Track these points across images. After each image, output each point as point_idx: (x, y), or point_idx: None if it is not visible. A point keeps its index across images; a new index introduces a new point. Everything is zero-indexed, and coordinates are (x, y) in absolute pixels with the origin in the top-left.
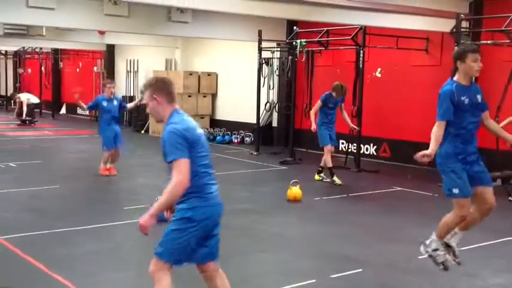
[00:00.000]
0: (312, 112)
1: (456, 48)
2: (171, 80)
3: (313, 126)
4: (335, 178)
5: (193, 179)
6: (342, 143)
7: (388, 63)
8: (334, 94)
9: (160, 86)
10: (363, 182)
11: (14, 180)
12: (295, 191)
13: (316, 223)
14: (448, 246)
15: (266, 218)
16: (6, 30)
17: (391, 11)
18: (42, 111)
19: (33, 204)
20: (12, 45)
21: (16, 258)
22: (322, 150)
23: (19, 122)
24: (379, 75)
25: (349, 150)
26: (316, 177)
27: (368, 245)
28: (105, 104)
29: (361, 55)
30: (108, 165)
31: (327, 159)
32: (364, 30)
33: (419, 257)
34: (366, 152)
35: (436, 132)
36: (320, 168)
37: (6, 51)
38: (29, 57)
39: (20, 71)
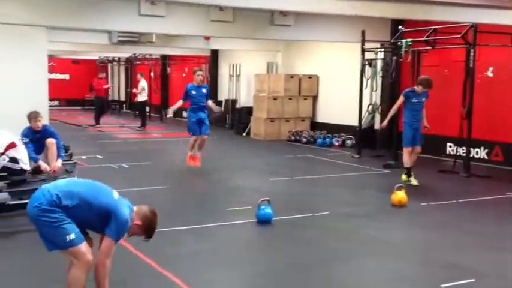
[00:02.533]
0: (393, 108)
1: None
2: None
3: (384, 123)
4: (411, 179)
5: None
6: (450, 146)
7: (501, 62)
8: (418, 88)
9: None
10: (474, 187)
11: (126, 181)
12: (400, 195)
13: (422, 229)
14: None
15: (370, 223)
16: (119, 38)
17: (505, 7)
18: (151, 114)
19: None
20: (125, 52)
21: (129, 254)
22: (430, 153)
23: (139, 125)
24: (491, 75)
25: (458, 154)
26: (403, 177)
27: (480, 254)
28: (193, 92)
29: (472, 54)
30: (195, 153)
31: (405, 159)
32: (475, 27)
33: None
34: (476, 156)
35: None
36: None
37: (119, 58)
38: (139, 63)
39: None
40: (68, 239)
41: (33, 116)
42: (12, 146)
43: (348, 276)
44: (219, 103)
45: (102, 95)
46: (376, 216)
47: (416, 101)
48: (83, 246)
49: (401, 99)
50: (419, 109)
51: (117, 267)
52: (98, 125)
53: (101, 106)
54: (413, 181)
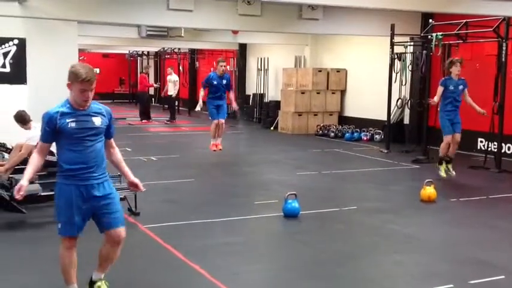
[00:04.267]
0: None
1: None
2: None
3: (434, 99)
4: (441, 167)
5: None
6: (481, 142)
7: None
8: (451, 71)
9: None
10: (505, 183)
11: (155, 173)
12: (429, 191)
13: (452, 225)
14: None
15: (399, 218)
16: (148, 32)
17: None
18: (180, 108)
19: (172, 196)
20: (154, 46)
21: (158, 246)
22: (461, 148)
23: (168, 118)
24: None
25: (489, 149)
26: (442, 168)
27: (510, 251)
28: (215, 81)
29: (504, 48)
30: (216, 140)
31: (441, 147)
32: (507, 21)
33: None
34: (507, 152)
35: None
36: (448, 159)
37: (148, 52)
38: (168, 57)
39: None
40: (58, 226)
41: None
42: None
43: (375, 271)
44: (247, 97)
45: (146, 90)
46: (405, 211)
47: (452, 88)
48: (66, 238)
49: (440, 89)
50: (457, 97)
51: (144, 259)
52: (150, 120)
53: (147, 101)
54: (442, 171)
